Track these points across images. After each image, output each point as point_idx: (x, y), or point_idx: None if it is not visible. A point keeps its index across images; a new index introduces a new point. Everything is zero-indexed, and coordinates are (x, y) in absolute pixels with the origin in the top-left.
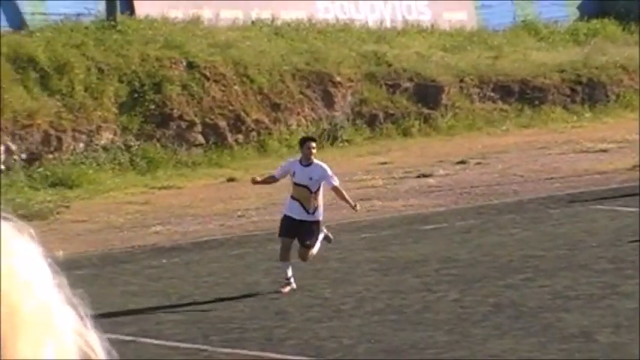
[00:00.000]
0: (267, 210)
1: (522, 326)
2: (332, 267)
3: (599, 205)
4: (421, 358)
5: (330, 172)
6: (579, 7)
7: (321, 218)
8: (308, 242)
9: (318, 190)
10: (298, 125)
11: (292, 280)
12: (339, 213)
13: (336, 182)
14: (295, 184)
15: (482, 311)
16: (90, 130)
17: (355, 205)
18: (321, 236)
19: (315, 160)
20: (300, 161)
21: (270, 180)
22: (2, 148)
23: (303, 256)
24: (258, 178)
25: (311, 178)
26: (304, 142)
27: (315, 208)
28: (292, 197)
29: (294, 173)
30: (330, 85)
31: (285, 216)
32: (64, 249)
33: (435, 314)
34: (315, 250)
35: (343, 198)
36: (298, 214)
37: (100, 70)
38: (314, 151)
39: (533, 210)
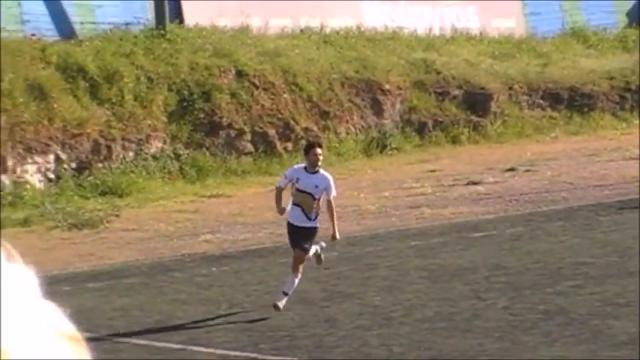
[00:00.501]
0: None
1: (572, 333)
2: (381, 275)
3: None
4: None
5: (333, 183)
6: (628, 14)
7: (319, 225)
8: (306, 245)
9: (320, 197)
10: (347, 133)
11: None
12: (389, 221)
13: (334, 194)
14: (299, 190)
15: (531, 319)
16: (139, 139)
17: (335, 235)
18: (315, 247)
19: (321, 170)
20: (306, 168)
21: (279, 192)
22: (52, 157)
23: (300, 257)
24: (280, 205)
25: (317, 186)
26: (310, 148)
27: (316, 215)
28: (294, 204)
29: (297, 180)
30: (379, 92)
31: (288, 223)
32: (114, 257)
33: (484, 322)
34: (310, 254)
35: (332, 215)
36: (300, 220)
37: (150, 79)
38: (320, 157)
39: (582, 217)
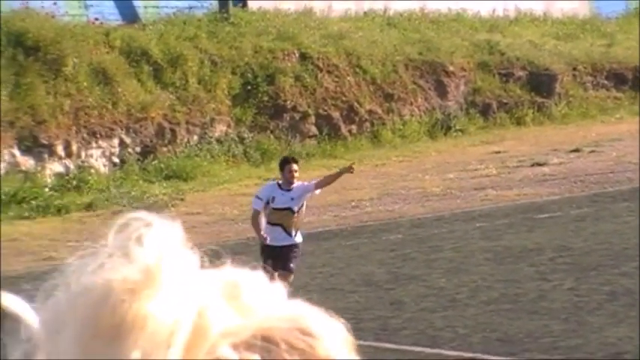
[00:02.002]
0: (381, 200)
1: (638, 314)
2: (446, 257)
3: None
4: (536, 347)
5: (306, 183)
6: None
7: (301, 241)
8: (292, 265)
9: (301, 208)
10: (411, 115)
11: None
12: (453, 203)
13: (313, 182)
14: (275, 209)
15: (597, 299)
16: (204, 123)
17: (352, 165)
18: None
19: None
20: (280, 185)
21: (257, 216)
22: (117, 141)
23: (285, 281)
24: (261, 233)
25: (293, 199)
26: (285, 164)
27: (297, 230)
28: (270, 223)
29: (273, 199)
30: (443, 74)
31: (265, 247)
32: None
33: (550, 303)
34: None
35: (330, 178)
36: (281, 239)
37: (213, 63)
38: (296, 174)
39: None
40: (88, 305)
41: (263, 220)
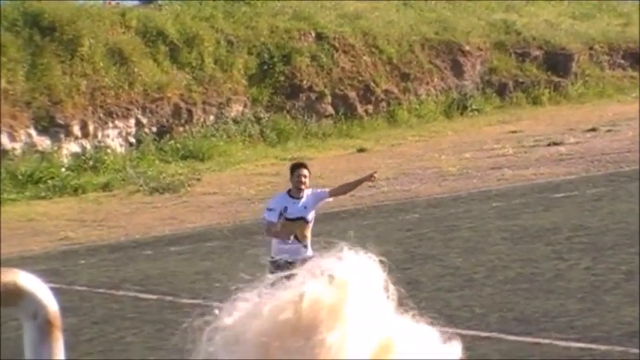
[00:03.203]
0: (397, 180)
1: None
2: (463, 236)
3: None
4: (553, 327)
5: (319, 190)
6: None
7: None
8: None
9: (312, 219)
10: (427, 95)
11: None
12: (470, 182)
13: (327, 190)
14: (289, 219)
15: (614, 279)
16: (220, 103)
17: (373, 174)
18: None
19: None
20: (290, 193)
21: (271, 227)
22: (133, 121)
23: None
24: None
25: (306, 207)
26: (294, 169)
27: (308, 242)
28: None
29: (286, 209)
30: (459, 54)
31: (277, 264)
32: (196, 221)
33: (566, 282)
34: None
35: (348, 187)
36: (297, 253)
37: (230, 43)
38: (306, 180)
39: None
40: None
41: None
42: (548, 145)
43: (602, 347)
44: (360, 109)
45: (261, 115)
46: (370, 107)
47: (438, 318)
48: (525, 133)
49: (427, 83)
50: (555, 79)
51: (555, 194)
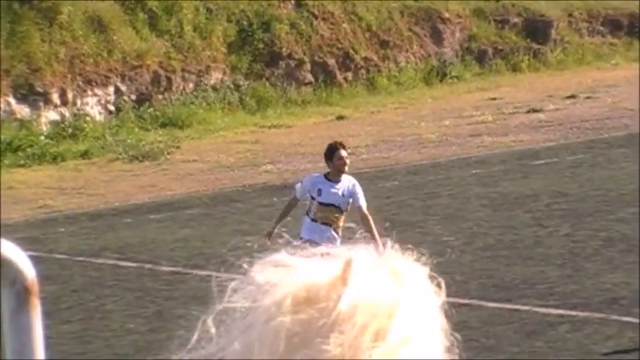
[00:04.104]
0: (377, 147)
1: (634, 260)
2: (443, 203)
3: None
4: (533, 293)
5: (358, 187)
6: None
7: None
8: None
9: (347, 209)
10: (407, 62)
11: None
12: (450, 149)
13: (364, 204)
14: (321, 204)
15: (593, 245)
16: (199, 70)
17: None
18: None
19: (344, 175)
20: (328, 176)
21: (293, 203)
22: (112, 89)
23: None
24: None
25: (343, 195)
26: (333, 151)
27: (340, 231)
28: (315, 221)
29: (319, 192)
30: (438, 21)
31: (303, 242)
32: (175, 189)
33: (546, 249)
34: None
35: (371, 228)
36: (329, 241)
37: (209, 10)
38: (347, 161)
39: None
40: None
41: (305, 218)
42: (528, 112)
43: (582, 314)
44: (339, 77)
45: (241, 83)
46: (349, 75)
47: None
48: (505, 100)
49: (406, 50)
50: (535, 46)
51: (534, 161)
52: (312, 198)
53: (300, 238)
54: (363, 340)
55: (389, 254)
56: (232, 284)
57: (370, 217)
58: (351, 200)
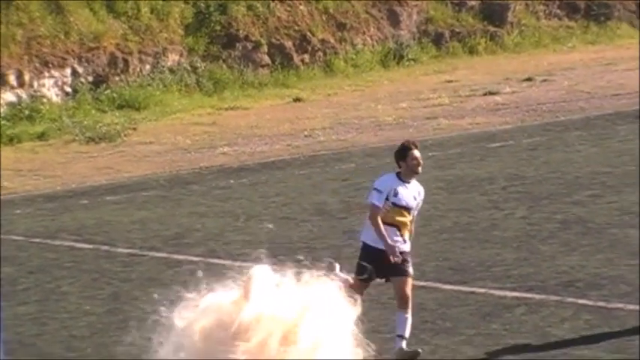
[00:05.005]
0: (333, 130)
1: (590, 242)
2: None
3: None
4: (489, 276)
5: (422, 195)
6: None
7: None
8: (410, 269)
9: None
10: (364, 44)
11: None
12: (406, 132)
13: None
14: (396, 205)
15: (549, 228)
16: (156, 52)
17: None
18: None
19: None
20: (401, 176)
21: (377, 212)
22: (69, 71)
23: (406, 290)
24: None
25: (415, 198)
26: (406, 151)
27: (407, 235)
28: (386, 223)
29: (396, 192)
30: (395, 4)
31: (365, 245)
32: (132, 171)
33: (502, 232)
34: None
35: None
36: (398, 244)
37: None
38: (422, 161)
39: (600, 126)
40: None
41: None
42: (484, 94)
43: (538, 296)
44: (296, 59)
45: (198, 65)
46: (306, 57)
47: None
48: (461, 83)
49: (363, 33)
50: (491, 28)
51: (491, 144)
52: (386, 199)
53: (362, 243)
54: (270, 346)
55: (308, 276)
56: (155, 339)
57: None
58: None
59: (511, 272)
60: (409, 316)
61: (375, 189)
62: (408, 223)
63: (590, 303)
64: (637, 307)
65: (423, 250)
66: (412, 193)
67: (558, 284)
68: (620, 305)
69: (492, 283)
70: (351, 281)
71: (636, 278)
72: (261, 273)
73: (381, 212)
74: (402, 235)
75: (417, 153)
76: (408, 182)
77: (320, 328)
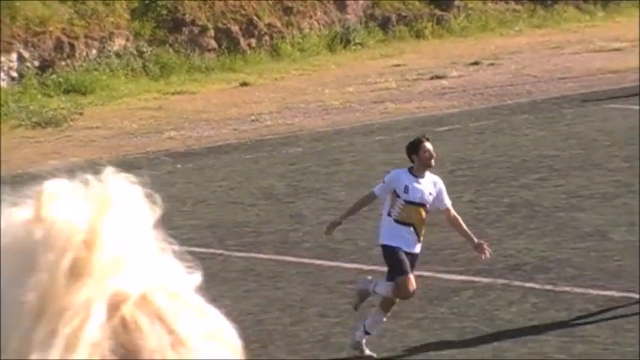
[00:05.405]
0: (280, 114)
1: (537, 226)
2: (346, 170)
3: (612, 104)
4: (436, 259)
5: (444, 191)
6: None
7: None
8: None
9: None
10: (311, 29)
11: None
12: (353, 116)
13: (450, 203)
14: (408, 202)
15: (496, 211)
16: (102, 37)
17: (476, 244)
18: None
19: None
20: (413, 171)
21: (368, 200)
22: (15, 55)
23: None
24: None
25: (430, 193)
26: (418, 143)
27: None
28: (399, 221)
29: (406, 188)
30: None
31: (385, 246)
32: (79, 155)
33: None
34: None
35: (460, 225)
36: (412, 245)
37: None
38: (434, 154)
39: (546, 110)
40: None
41: (386, 220)
42: (432, 78)
43: (485, 280)
44: (243, 43)
45: (144, 49)
46: (253, 41)
47: (321, 251)
48: (408, 67)
49: (310, 17)
50: (438, 12)
51: (438, 127)
52: (397, 196)
53: (382, 246)
54: (58, 279)
55: (98, 181)
56: None
57: (458, 216)
58: (433, 200)
59: (458, 256)
60: (384, 319)
61: (384, 181)
62: (424, 220)
63: (537, 286)
64: (583, 290)
65: (370, 235)
66: (426, 188)
67: (505, 268)
68: (567, 288)
69: (439, 267)
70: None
71: (583, 261)
72: (54, 185)
73: (391, 210)
74: (417, 234)
75: (429, 146)
76: (422, 177)
77: (119, 250)
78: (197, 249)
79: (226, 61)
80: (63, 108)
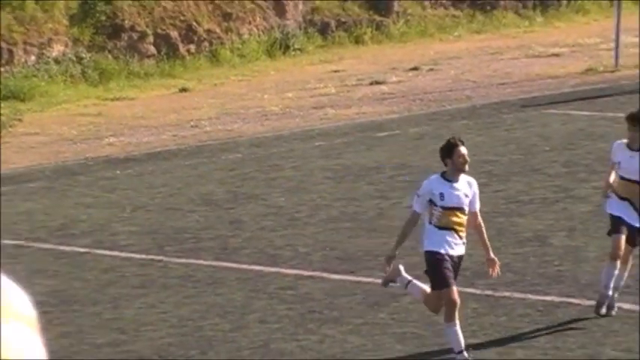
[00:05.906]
0: (220, 120)
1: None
2: (286, 175)
3: (551, 110)
4: (376, 265)
5: (478, 189)
6: None
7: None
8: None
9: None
10: (250, 34)
11: None
12: (293, 122)
13: (479, 206)
14: (445, 208)
15: None
16: (41, 43)
17: (490, 257)
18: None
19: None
20: (446, 176)
21: (415, 219)
22: None
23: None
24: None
25: (467, 195)
26: (452, 148)
27: (464, 235)
28: (439, 227)
29: (442, 195)
30: None
31: (443, 256)
32: (17, 162)
33: (389, 221)
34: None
35: (481, 232)
36: (457, 247)
37: None
38: (468, 159)
39: (486, 115)
40: None
41: (427, 227)
42: (371, 84)
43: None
44: (182, 49)
45: (83, 55)
46: (192, 47)
47: (261, 257)
48: (348, 73)
49: (249, 23)
50: (377, 18)
51: (378, 133)
52: (434, 204)
53: (427, 252)
54: None
55: None
56: None
57: (482, 223)
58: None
59: (398, 261)
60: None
61: (416, 194)
62: (465, 223)
63: (478, 291)
64: (523, 295)
65: (310, 240)
66: (462, 191)
67: None
68: (506, 294)
69: (380, 273)
70: (428, 291)
71: (523, 266)
72: None
73: (431, 217)
74: (460, 237)
75: (463, 150)
76: (456, 181)
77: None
78: (136, 255)
79: (165, 67)
80: (2, 114)
